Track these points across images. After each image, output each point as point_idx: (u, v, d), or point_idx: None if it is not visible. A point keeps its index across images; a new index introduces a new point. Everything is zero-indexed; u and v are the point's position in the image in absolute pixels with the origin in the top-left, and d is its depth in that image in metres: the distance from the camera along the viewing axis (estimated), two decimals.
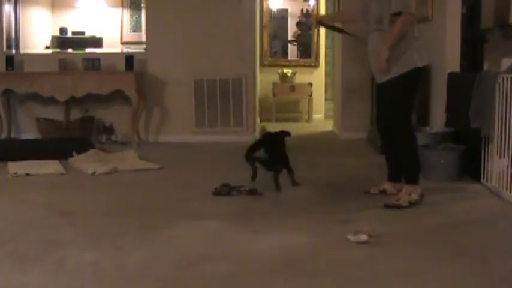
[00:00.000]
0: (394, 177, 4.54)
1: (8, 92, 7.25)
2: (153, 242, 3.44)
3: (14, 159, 5.77)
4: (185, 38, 7.41)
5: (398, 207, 4.12)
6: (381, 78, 4.32)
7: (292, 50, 10.42)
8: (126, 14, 9.11)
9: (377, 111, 4.69)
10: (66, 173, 5.46)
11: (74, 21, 8.81)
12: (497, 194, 4.50)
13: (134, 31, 9.08)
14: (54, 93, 7.05)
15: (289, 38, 10.39)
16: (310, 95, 9.78)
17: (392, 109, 4.30)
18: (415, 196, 4.20)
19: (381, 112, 4.54)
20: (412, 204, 4.17)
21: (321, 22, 5.10)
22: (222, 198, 4.48)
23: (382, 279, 2.87)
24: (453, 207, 4.28)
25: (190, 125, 7.46)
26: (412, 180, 4.28)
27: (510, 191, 4.32)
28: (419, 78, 4.34)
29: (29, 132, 7.40)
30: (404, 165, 4.38)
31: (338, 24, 5.52)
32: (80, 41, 8.44)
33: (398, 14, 4.12)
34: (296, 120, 9.92)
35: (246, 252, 3.25)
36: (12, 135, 7.41)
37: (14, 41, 7.75)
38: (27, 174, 5.33)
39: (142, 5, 8.62)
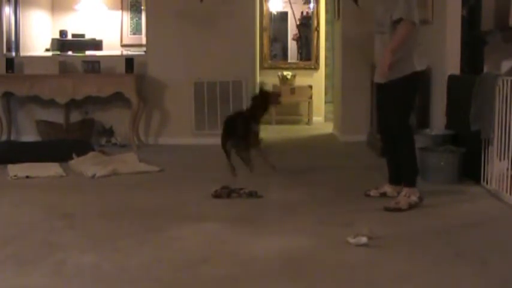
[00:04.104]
0: (395, 179, 4.54)
1: (8, 95, 7.26)
2: (153, 244, 3.43)
3: (14, 162, 5.77)
4: (185, 41, 7.42)
5: (399, 210, 4.13)
6: (381, 79, 4.36)
7: (292, 53, 10.42)
8: (126, 16, 9.12)
9: (378, 112, 4.71)
10: (66, 175, 5.46)
11: (74, 24, 8.82)
12: (497, 196, 4.50)
13: (134, 34, 9.09)
14: (54, 95, 7.06)
15: (289, 40, 10.39)
16: (310, 97, 9.78)
17: (391, 111, 4.36)
18: (414, 198, 4.21)
19: (382, 113, 4.57)
20: (411, 206, 4.17)
21: None
22: (222, 201, 4.48)
23: (382, 282, 2.87)
24: (453, 209, 4.28)
25: (190, 127, 7.47)
26: (410, 182, 4.29)
27: (510, 194, 4.32)
28: (417, 82, 4.41)
29: (29, 135, 7.40)
30: (403, 169, 4.40)
31: None
32: (80, 43, 8.45)
33: (399, 20, 4.17)
34: (296, 122, 9.92)
35: (246, 255, 3.25)
36: (12, 137, 7.41)
37: (14, 44, 7.76)
38: (27, 177, 5.32)
39: (142, 7, 8.64)
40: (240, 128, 5.26)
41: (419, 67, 4.30)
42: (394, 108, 4.33)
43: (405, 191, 4.27)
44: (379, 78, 4.39)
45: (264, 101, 5.40)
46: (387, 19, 4.24)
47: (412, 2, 4.20)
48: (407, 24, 4.16)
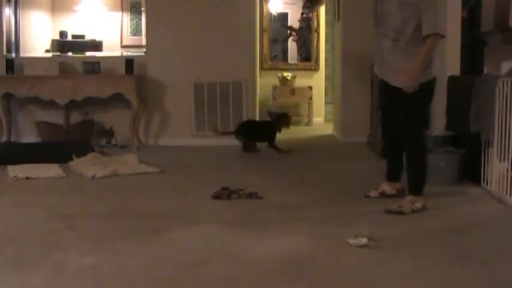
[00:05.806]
0: (392, 176, 4.54)
1: (8, 96, 7.26)
2: (153, 246, 3.43)
3: (14, 163, 5.76)
4: (185, 42, 7.43)
5: (401, 213, 4.08)
6: (398, 84, 4.22)
7: (292, 54, 10.42)
8: (126, 17, 9.13)
9: (383, 112, 4.64)
10: (66, 176, 5.46)
11: (74, 25, 8.82)
12: (497, 197, 4.50)
13: (134, 35, 9.10)
14: (54, 96, 7.06)
15: (290, 41, 10.40)
16: (310, 98, 9.79)
17: (405, 118, 4.25)
18: (418, 205, 4.16)
19: (388, 113, 4.50)
20: (414, 212, 4.12)
21: None
22: (222, 202, 4.47)
23: (382, 282, 2.87)
24: (453, 210, 4.28)
25: (190, 128, 7.47)
26: (416, 190, 4.23)
27: (510, 195, 4.32)
28: (434, 87, 4.32)
29: (29, 136, 7.40)
30: (410, 175, 4.31)
31: None
32: (80, 44, 8.45)
33: (429, 35, 4.05)
34: (296, 123, 9.89)
35: (245, 256, 3.24)
36: (12, 138, 7.42)
37: (14, 45, 7.77)
38: (27, 178, 5.32)
39: (142, 8, 8.64)
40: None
41: (435, 73, 4.25)
42: (409, 117, 4.23)
43: (410, 197, 4.22)
44: (398, 84, 4.21)
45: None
46: (408, 28, 4.09)
47: (438, 12, 4.10)
48: (437, 38, 4.08)
